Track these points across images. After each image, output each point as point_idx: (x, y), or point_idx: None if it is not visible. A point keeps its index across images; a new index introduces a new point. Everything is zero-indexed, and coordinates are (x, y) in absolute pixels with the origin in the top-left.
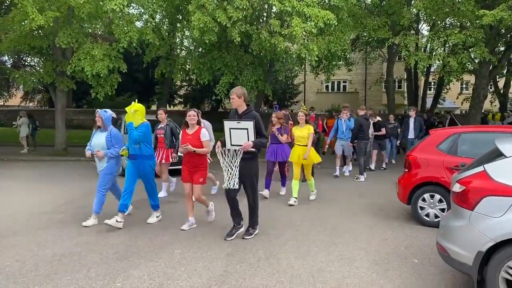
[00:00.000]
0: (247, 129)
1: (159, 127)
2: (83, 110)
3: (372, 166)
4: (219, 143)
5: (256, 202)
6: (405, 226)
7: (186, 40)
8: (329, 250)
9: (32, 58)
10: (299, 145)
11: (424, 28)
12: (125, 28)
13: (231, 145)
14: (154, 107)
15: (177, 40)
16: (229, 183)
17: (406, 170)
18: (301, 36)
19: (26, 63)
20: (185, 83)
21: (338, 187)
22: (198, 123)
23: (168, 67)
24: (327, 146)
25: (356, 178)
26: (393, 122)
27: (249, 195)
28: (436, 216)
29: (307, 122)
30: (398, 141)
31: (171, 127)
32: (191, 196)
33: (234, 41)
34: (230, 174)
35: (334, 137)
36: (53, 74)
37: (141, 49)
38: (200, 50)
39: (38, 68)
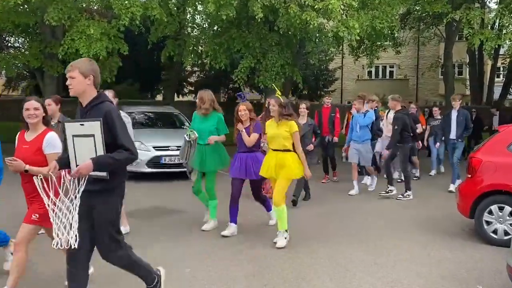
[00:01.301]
0: (93, 135)
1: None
2: (73, 100)
3: (417, 173)
4: (53, 164)
5: (131, 264)
6: (466, 244)
7: (198, 16)
8: (370, 271)
9: (16, 38)
10: (274, 149)
11: (492, 1)
12: (126, 2)
13: (76, 166)
14: (159, 97)
15: (188, 16)
16: (62, 240)
17: (469, 175)
18: (339, 10)
19: (9, 44)
20: (196, 68)
21: (377, 194)
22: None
23: (177, 49)
24: (344, 153)
25: (401, 197)
26: (439, 117)
27: (107, 257)
28: (506, 233)
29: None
30: (437, 143)
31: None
32: (23, 244)
33: (257, 17)
34: (66, 222)
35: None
36: (40, 57)
37: (145, 28)
38: (215, 28)
39: (23, 50)
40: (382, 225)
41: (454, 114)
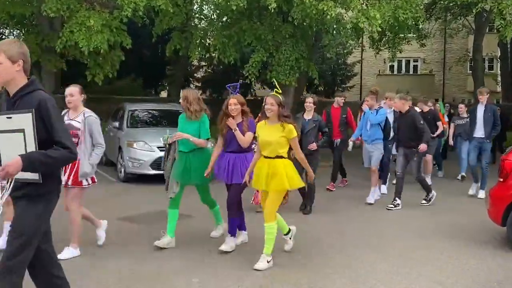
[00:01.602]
0: (23, 130)
1: None
2: None
3: (428, 180)
4: None
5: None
6: (497, 254)
7: (206, 7)
8: (393, 282)
9: (11, 31)
10: (267, 157)
11: None
12: None
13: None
14: (164, 94)
15: (195, 7)
16: None
17: (501, 179)
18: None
19: (3, 37)
20: (204, 63)
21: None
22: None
23: (183, 42)
24: (350, 142)
25: (424, 202)
26: (465, 116)
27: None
28: None
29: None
30: (450, 140)
31: None
32: None
33: (269, 7)
34: None
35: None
36: (37, 51)
37: (149, 19)
38: (224, 19)
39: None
40: (404, 233)
41: (480, 110)
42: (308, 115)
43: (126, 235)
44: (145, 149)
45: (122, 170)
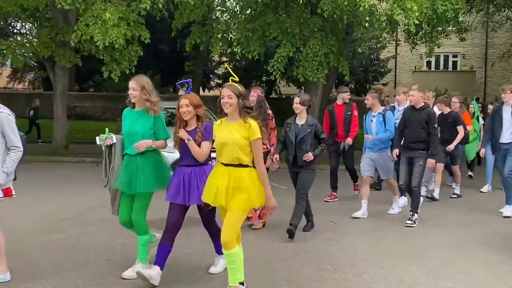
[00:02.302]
0: None
1: None
2: (88, 95)
3: (436, 194)
4: None
5: None
6: None
7: None
8: None
9: (24, 24)
10: (226, 164)
11: None
12: None
13: None
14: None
15: None
16: None
17: None
18: None
19: (15, 31)
20: (225, 59)
21: (431, 207)
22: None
23: (204, 36)
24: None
25: (409, 222)
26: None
27: None
28: None
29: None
30: (478, 147)
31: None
32: None
33: None
34: None
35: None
36: (51, 45)
37: (168, 12)
38: (248, 12)
39: (32, 37)
40: (443, 244)
41: (506, 111)
42: (300, 119)
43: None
44: (164, 150)
45: None
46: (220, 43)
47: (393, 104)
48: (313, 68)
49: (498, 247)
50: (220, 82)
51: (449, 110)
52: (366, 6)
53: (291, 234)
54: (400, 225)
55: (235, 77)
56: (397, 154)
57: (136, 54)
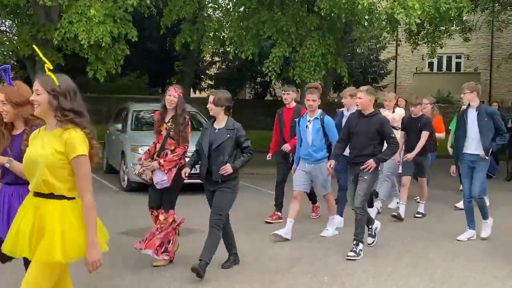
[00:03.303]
0: None
1: None
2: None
3: (402, 211)
4: None
5: None
6: None
7: None
8: None
9: (3, 21)
10: (37, 194)
11: None
12: None
13: None
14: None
15: None
16: None
17: None
18: None
19: None
20: (217, 59)
21: (435, 212)
22: None
23: (195, 35)
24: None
25: (352, 255)
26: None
27: None
28: None
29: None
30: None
31: None
32: None
33: None
34: None
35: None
36: (32, 43)
37: (156, 9)
38: (241, 9)
39: (11, 35)
40: (444, 254)
41: (471, 116)
42: (218, 123)
43: (127, 251)
44: None
45: (125, 178)
46: (212, 42)
47: (342, 109)
48: (310, 69)
49: (508, 257)
50: (212, 83)
51: (421, 113)
52: (365, 4)
53: (198, 274)
54: (402, 236)
55: (49, 64)
56: (332, 166)
57: (122, 53)
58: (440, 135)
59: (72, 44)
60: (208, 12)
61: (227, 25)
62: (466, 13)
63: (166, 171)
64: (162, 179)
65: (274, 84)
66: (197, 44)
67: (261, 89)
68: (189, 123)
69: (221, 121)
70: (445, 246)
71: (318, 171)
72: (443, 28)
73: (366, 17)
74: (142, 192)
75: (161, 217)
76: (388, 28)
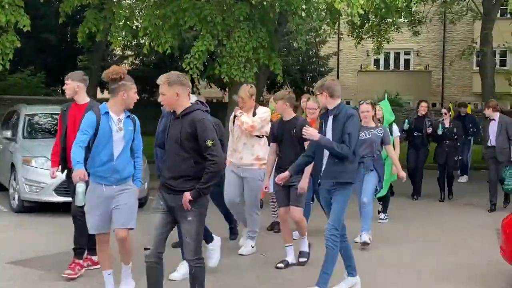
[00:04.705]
0: None
1: None
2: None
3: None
4: None
5: None
6: None
7: None
8: None
9: None
10: None
11: None
12: None
13: None
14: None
15: None
16: None
17: None
18: None
19: None
20: (130, 52)
21: (401, 225)
22: None
23: (101, 24)
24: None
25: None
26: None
27: None
28: None
29: None
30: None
31: None
32: None
33: None
34: None
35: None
36: None
37: None
38: None
39: None
40: (403, 275)
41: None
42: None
43: (18, 285)
44: (47, 167)
45: (16, 196)
46: (123, 33)
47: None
48: (240, 65)
49: (469, 279)
50: None
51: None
52: None
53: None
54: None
55: None
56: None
57: (12, 45)
58: None
59: None
60: None
61: (140, 13)
62: (415, 3)
63: None
64: None
65: (199, 83)
66: (105, 35)
67: None
68: None
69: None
70: None
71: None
72: (390, 20)
73: (304, 6)
74: (37, 214)
75: None
76: (329, 20)
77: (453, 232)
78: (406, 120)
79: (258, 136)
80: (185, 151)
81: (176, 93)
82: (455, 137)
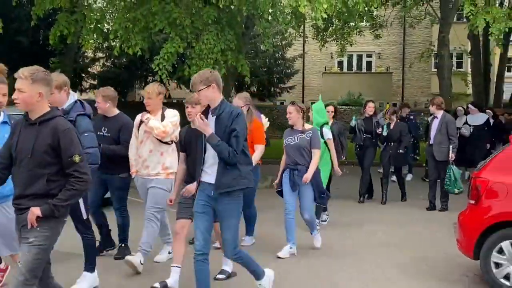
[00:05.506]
0: None
1: None
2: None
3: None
4: None
5: None
6: None
7: None
8: None
9: None
10: None
11: None
12: None
13: None
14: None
15: None
16: None
17: (472, 201)
18: None
19: None
20: (101, 54)
21: (359, 222)
22: None
23: (73, 27)
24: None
25: None
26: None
27: None
28: None
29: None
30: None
31: None
32: None
33: None
34: None
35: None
36: None
37: None
38: None
39: None
40: (357, 272)
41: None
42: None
43: None
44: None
45: None
46: (94, 36)
47: None
48: (208, 67)
49: (423, 272)
50: (96, 83)
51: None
52: None
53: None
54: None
55: None
56: None
57: None
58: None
59: None
60: (89, 1)
61: (111, 16)
62: (376, 8)
63: None
64: None
65: (169, 84)
66: (76, 37)
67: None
68: None
69: None
70: None
71: None
72: (353, 24)
73: (270, 10)
74: None
75: None
76: (294, 23)
77: (408, 228)
78: (354, 117)
79: (166, 143)
80: (40, 167)
81: (38, 93)
82: (400, 139)
